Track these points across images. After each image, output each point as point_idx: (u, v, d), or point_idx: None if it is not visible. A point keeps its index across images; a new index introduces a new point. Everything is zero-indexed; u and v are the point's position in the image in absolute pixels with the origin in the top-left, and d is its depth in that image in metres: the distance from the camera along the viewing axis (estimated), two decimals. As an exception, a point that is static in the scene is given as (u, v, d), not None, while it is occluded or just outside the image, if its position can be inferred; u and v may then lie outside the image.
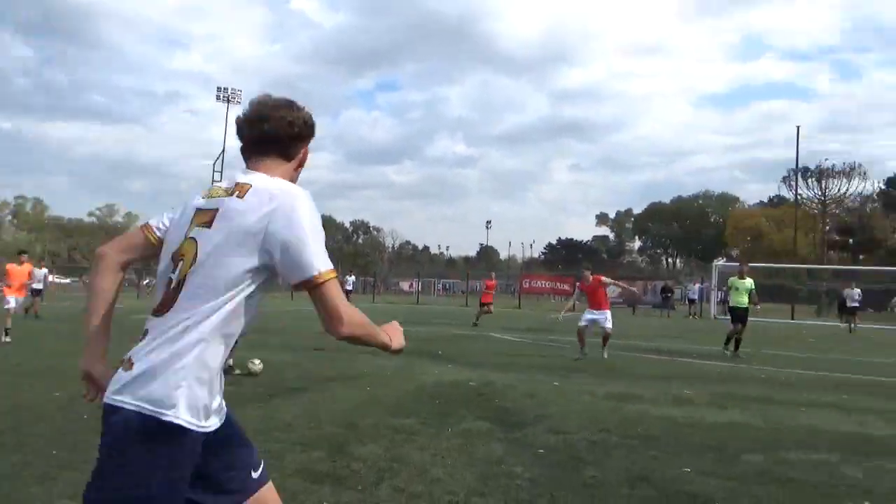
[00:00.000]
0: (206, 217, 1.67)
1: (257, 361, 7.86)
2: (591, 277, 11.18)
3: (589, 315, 11.08)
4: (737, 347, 12.53)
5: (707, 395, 7.65)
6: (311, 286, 1.60)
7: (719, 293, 34.07)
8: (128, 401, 1.53)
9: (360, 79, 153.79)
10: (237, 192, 1.67)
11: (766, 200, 72.76)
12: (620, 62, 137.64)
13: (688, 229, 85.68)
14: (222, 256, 1.60)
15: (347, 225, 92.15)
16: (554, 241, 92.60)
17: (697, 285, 34.41)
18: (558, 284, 40.50)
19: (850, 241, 52.72)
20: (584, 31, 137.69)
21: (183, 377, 1.55)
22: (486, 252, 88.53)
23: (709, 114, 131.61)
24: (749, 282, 13.01)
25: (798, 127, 42.99)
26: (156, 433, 1.51)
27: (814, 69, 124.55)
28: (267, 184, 1.68)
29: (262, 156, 1.80)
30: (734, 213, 75.92)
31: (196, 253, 1.63)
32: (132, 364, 1.58)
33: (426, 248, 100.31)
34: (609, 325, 10.97)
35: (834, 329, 25.21)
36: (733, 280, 13.26)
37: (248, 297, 1.63)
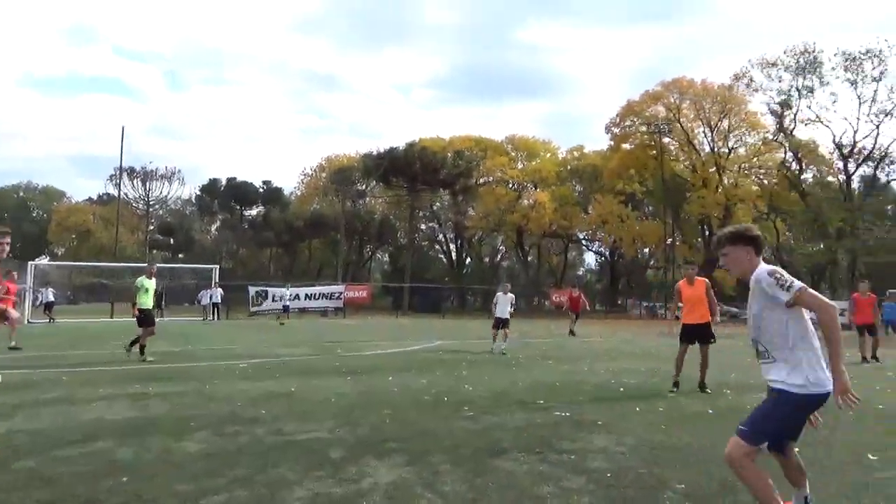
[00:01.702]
0: None
1: None
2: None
3: None
4: (142, 351, 12.28)
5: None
6: None
7: (37, 294, 31.82)
8: None
9: None
10: None
11: (95, 197, 71.53)
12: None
13: (8, 224, 76.36)
14: None
15: None
16: None
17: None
18: None
19: (172, 240, 57.21)
20: None
21: None
22: None
23: (34, 97, 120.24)
24: (154, 282, 12.95)
25: (123, 127, 44.17)
26: None
27: (146, 72, 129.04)
28: None
29: None
30: (59, 209, 71.99)
31: None
32: None
33: None
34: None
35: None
36: (142, 280, 12.69)
37: None
